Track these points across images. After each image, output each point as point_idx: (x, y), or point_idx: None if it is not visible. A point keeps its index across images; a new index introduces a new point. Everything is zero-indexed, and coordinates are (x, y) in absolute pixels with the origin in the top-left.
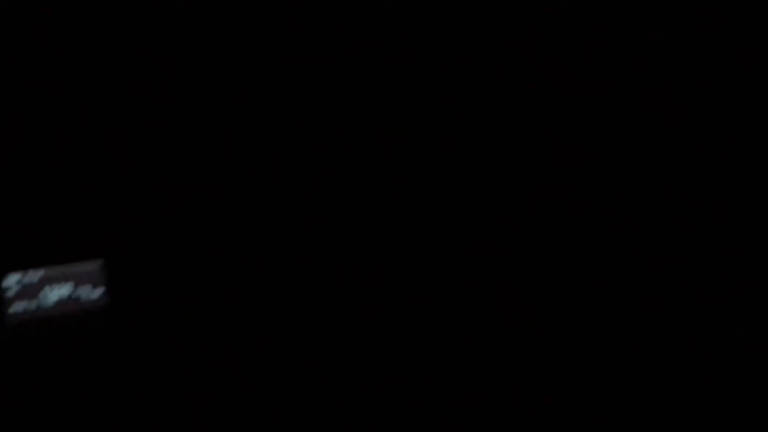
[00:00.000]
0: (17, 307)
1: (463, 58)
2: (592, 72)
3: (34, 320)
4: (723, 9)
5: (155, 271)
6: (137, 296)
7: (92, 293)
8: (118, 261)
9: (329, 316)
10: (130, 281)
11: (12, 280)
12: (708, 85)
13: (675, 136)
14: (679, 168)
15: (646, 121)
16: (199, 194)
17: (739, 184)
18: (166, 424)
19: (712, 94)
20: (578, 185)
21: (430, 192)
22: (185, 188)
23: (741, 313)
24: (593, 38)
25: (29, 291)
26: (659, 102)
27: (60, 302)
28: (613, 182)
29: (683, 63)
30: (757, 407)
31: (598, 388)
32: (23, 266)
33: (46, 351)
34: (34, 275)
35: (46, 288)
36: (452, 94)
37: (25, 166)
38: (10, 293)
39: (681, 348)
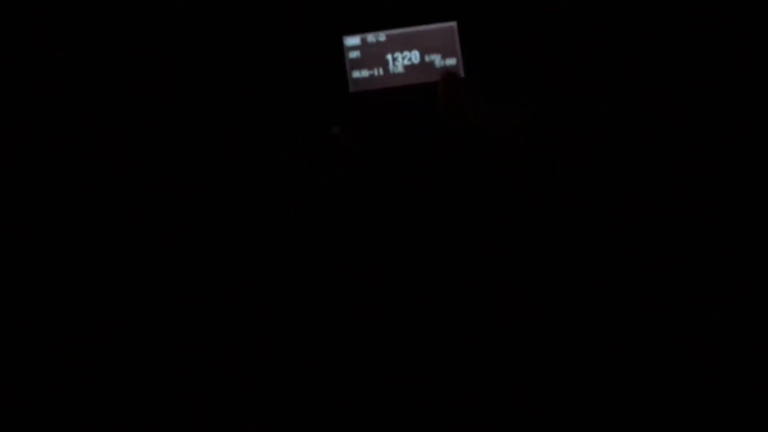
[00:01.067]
0: (361, 72)
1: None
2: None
3: (382, 88)
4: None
5: (514, 38)
6: (496, 67)
7: (444, 62)
8: (474, 25)
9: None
10: (488, 50)
11: (352, 42)
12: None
13: (675, 136)
14: (680, 168)
15: (646, 121)
16: None
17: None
18: None
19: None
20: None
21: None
22: None
23: (741, 313)
24: (592, 39)
25: (373, 56)
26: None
27: (411, 68)
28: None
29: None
30: (757, 407)
31: (598, 388)
32: (361, 29)
33: (397, 124)
34: (375, 37)
35: (389, 54)
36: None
37: None
38: (353, 55)
39: (681, 348)
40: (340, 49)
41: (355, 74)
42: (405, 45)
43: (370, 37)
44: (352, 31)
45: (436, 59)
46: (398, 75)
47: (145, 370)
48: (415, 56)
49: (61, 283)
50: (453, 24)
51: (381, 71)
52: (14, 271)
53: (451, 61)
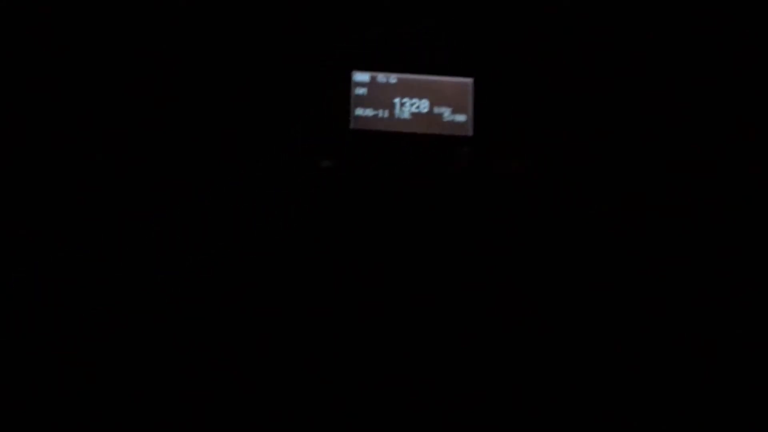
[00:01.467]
0: (365, 111)
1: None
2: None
3: (385, 130)
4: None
5: (527, 99)
6: (508, 129)
7: (453, 117)
8: (490, 83)
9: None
10: (502, 109)
11: (361, 78)
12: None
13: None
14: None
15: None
16: None
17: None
18: None
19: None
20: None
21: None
22: None
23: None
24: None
25: (380, 96)
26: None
27: (417, 117)
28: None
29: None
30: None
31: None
32: (373, 67)
33: (396, 168)
34: (386, 78)
35: (398, 98)
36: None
37: None
38: (359, 92)
39: (681, 349)
40: (348, 84)
41: (359, 111)
42: (415, 91)
43: (381, 77)
44: (364, 68)
45: (446, 112)
46: (403, 121)
47: (144, 370)
48: (424, 105)
49: (61, 283)
50: (469, 80)
51: (386, 113)
52: (14, 271)
53: (460, 117)
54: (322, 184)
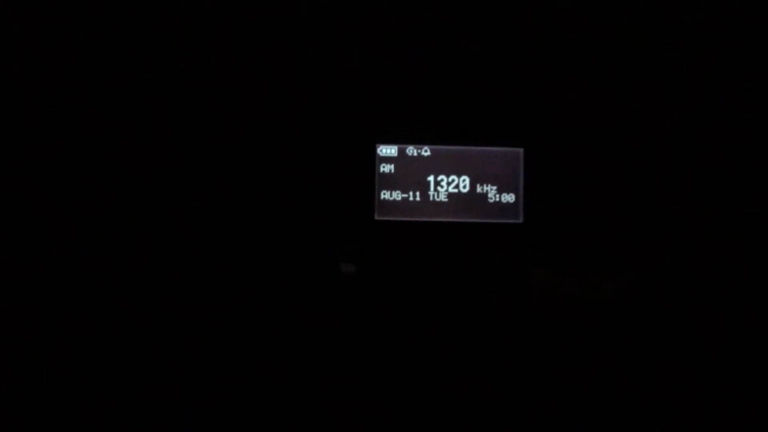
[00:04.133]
0: (393, 194)
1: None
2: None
3: (417, 220)
4: None
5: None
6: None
7: (498, 197)
8: (538, 154)
9: None
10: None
11: (387, 152)
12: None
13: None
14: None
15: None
16: None
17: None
18: None
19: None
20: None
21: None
22: None
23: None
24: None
25: (410, 173)
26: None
27: (457, 199)
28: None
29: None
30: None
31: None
32: (400, 138)
33: (428, 273)
34: (417, 150)
35: (432, 175)
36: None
37: None
38: (386, 169)
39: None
40: (372, 160)
41: (384, 195)
42: (453, 166)
43: (411, 149)
44: (389, 140)
45: (491, 191)
46: (439, 204)
47: (143, 370)
48: (464, 183)
49: (61, 283)
50: (519, 150)
51: (418, 196)
52: (14, 270)
53: (508, 198)
54: (342, 293)
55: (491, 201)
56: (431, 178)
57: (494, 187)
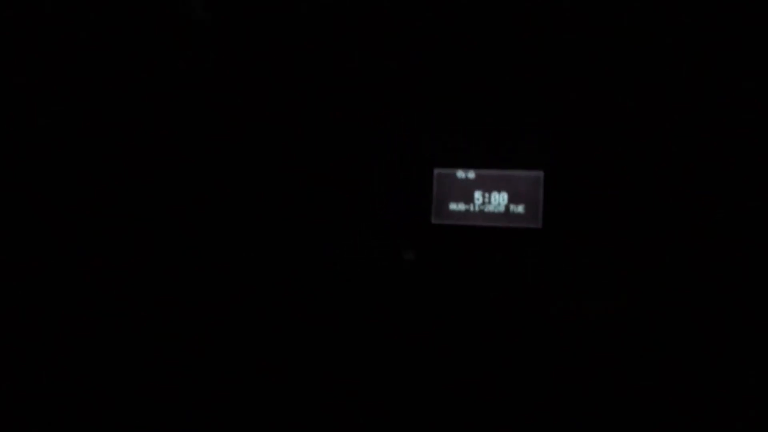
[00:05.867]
0: (456, 205)
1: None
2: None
3: (464, 224)
4: None
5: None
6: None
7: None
8: (562, 175)
9: None
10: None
11: (442, 173)
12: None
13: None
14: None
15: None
16: None
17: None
18: None
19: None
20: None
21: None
22: None
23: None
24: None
25: (462, 191)
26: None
27: (500, 212)
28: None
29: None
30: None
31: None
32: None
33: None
34: (465, 173)
35: (479, 191)
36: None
37: None
38: (441, 188)
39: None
40: (430, 180)
41: (439, 206)
42: (494, 185)
43: (460, 173)
44: (444, 165)
45: (519, 207)
46: (478, 214)
47: (144, 370)
48: (502, 198)
49: (61, 283)
50: (540, 173)
51: (471, 206)
52: (14, 270)
53: (532, 208)
54: (404, 276)
55: (517, 213)
56: (478, 194)
57: (522, 205)
